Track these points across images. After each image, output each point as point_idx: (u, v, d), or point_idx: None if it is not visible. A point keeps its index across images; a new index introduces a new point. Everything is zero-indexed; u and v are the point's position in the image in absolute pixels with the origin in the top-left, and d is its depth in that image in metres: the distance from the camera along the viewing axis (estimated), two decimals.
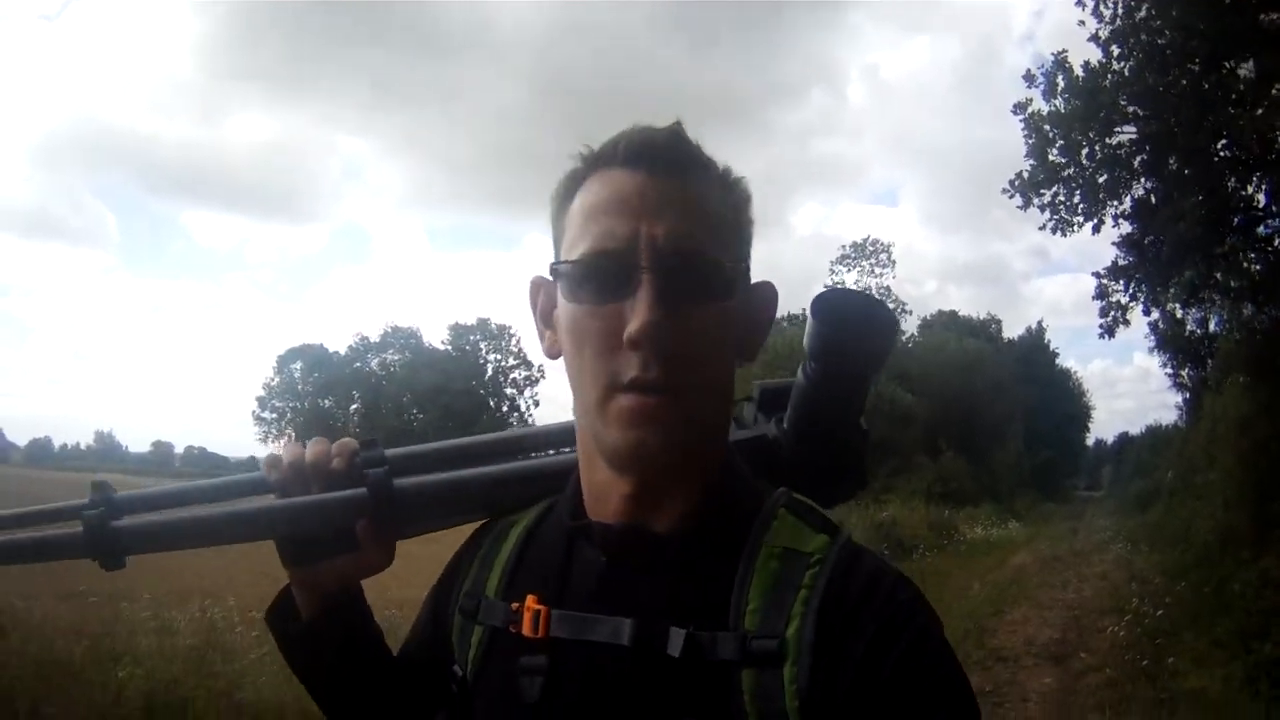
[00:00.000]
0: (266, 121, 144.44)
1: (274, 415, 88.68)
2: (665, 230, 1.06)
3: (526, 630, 1.13)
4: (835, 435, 1.30)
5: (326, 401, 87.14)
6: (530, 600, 1.14)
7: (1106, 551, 23.59)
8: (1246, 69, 13.56)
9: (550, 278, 1.17)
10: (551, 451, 1.41)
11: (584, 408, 1.13)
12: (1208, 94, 13.66)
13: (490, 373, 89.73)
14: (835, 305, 1.19)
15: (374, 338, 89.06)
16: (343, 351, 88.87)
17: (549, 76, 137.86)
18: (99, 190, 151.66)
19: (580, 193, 1.13)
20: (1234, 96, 13.54)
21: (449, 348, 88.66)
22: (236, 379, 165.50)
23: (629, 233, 1.07)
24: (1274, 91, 12.55)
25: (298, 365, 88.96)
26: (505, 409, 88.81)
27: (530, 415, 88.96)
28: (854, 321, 1.18)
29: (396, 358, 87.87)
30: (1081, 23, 14.69)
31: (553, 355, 1.21)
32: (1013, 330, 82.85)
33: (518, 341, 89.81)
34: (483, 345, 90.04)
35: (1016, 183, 16.30)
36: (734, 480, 1.18)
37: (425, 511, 1.28)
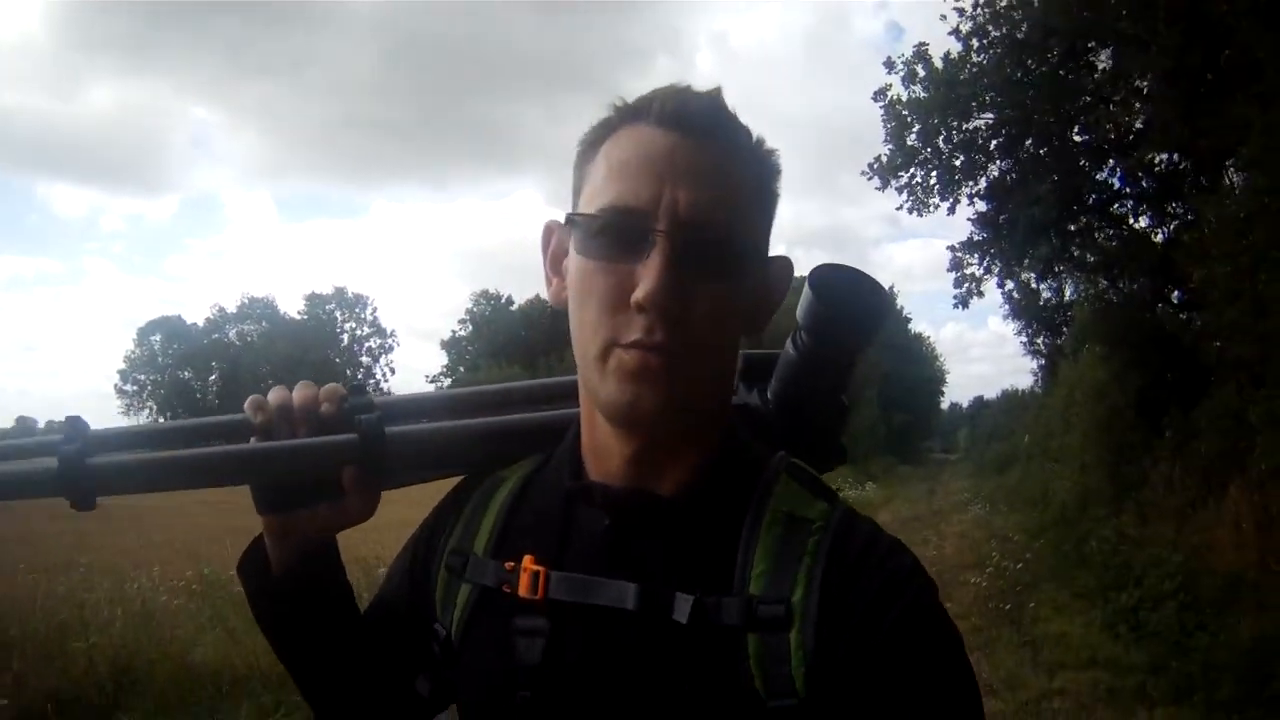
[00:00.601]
0: (119, 91, 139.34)
1: (135, 388, 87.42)
2: (689, 197, 1.04)
3: (524, 591, 1.11)
4: (819, 409, 1.29)
5: (186, 373, 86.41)
6: (527, 560, 1.12)
7: (965, 512, 23.38)
8: (1103, 62, 14.14)
9: (564, 224, 1.15)
10: (548, 407, 1.36)
11: (584, 360, 1.11)
12: (1065, 84, 14.27)
13: (346, 341, 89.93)
14: (833, 281, 1.18)
15: (231, 309, 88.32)
16: (201, 323, 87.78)
17: (397, 44, 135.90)
18: None
19: (608, 144, 1.11)
20: (1090, 88, 14.17)
21: (305, 317, 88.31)
22: (96, 352, 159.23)
23: (652, 194, 1.04)
24: (1127, 85, 13.18)
25: (157, 337, 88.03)
26: (361, 377, 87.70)
27: (386, 384, 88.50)
28: (851, 299, 1.17)
29: (254, 328, 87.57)
30: (943, 16, 15.17)
31: (558, 303, 1.18)
32: None
33: (373, 310, 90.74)
34: (339, 314, 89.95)
35: (875, 166, 16.68)
36: (737, 445, 1.17)
37: (415, 461, 1.25)
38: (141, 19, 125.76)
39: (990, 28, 14.83)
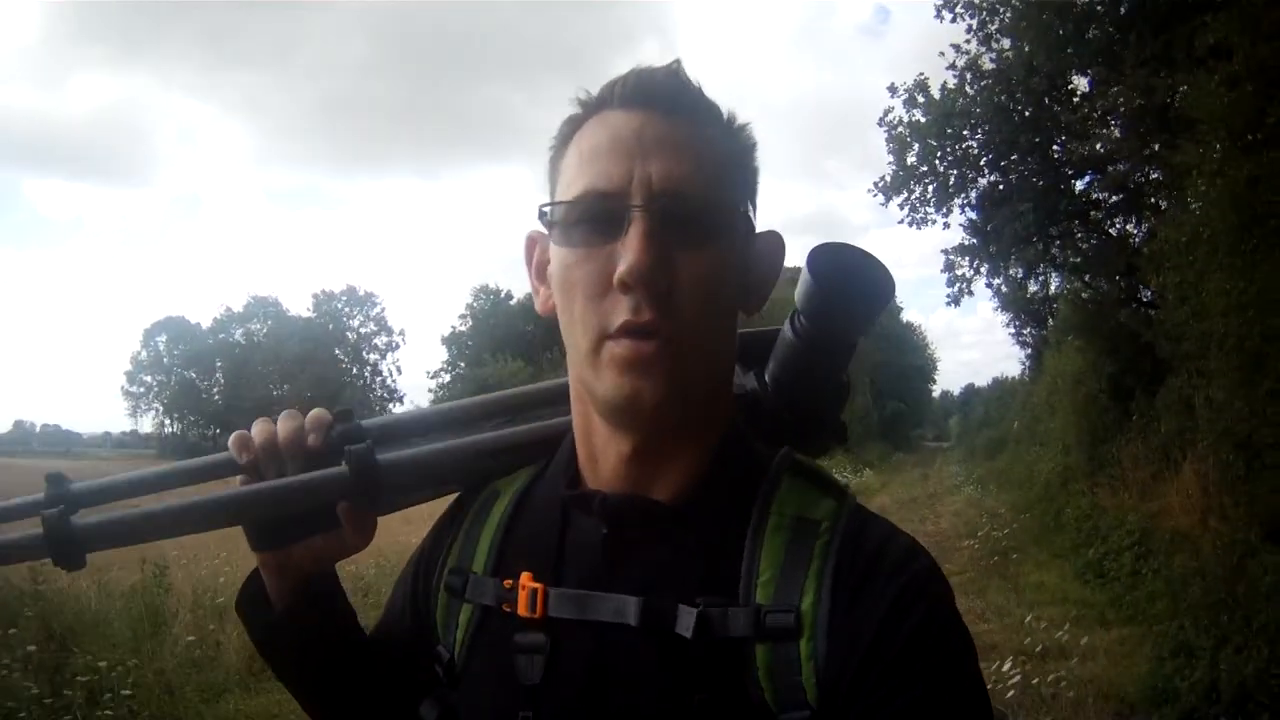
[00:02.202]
0: (107, 85, 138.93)
1: (141, 389, 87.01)
2: (661, 170, 1.01)
3: (522, 610, 1.06)
4: (819, 391, 1.22)
5: (192, 373, 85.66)
6: (525, 578, 1.07)
7: (959, 494, 24.59)
8: (1082, 83, 15.81)
9: (545, 231, 1.10)
10: (541, 415, 1.30)
11: (576, 359, 1.06)
12: (1046, 109, 15.98)
13: (353, 340, 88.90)
14: (833, 261, 1.08)
15: (237, 308, 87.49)
16: (206, 323, 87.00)
17: (383, 30, 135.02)
18: None
19: (576, 137, 1.08)
20: (1070, 107, 15.76)
21: (313, 315, 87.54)
22: (91, 352, 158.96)
23: (624, 172, 1.01)
24: (1101, 103, 14.38)
25: (162, 338, 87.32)
26: (369, 375, 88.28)
27: (394, 381, 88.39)
28: (851, 280, 1.08)
29: (259, 327, 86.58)
30: (942, 53, 17.02)
31: (546, 312, 1.13)
32: None
33: (381, 308, 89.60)
34: (347, 312, 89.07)
35: (880, 184, 18.50)
36: (737, 443, 1.12)
37: (409, 486, 1.20)
38: (128, 11, 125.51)
39: (981, 64, 16.62)
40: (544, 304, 1.15)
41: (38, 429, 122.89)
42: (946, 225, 18.58)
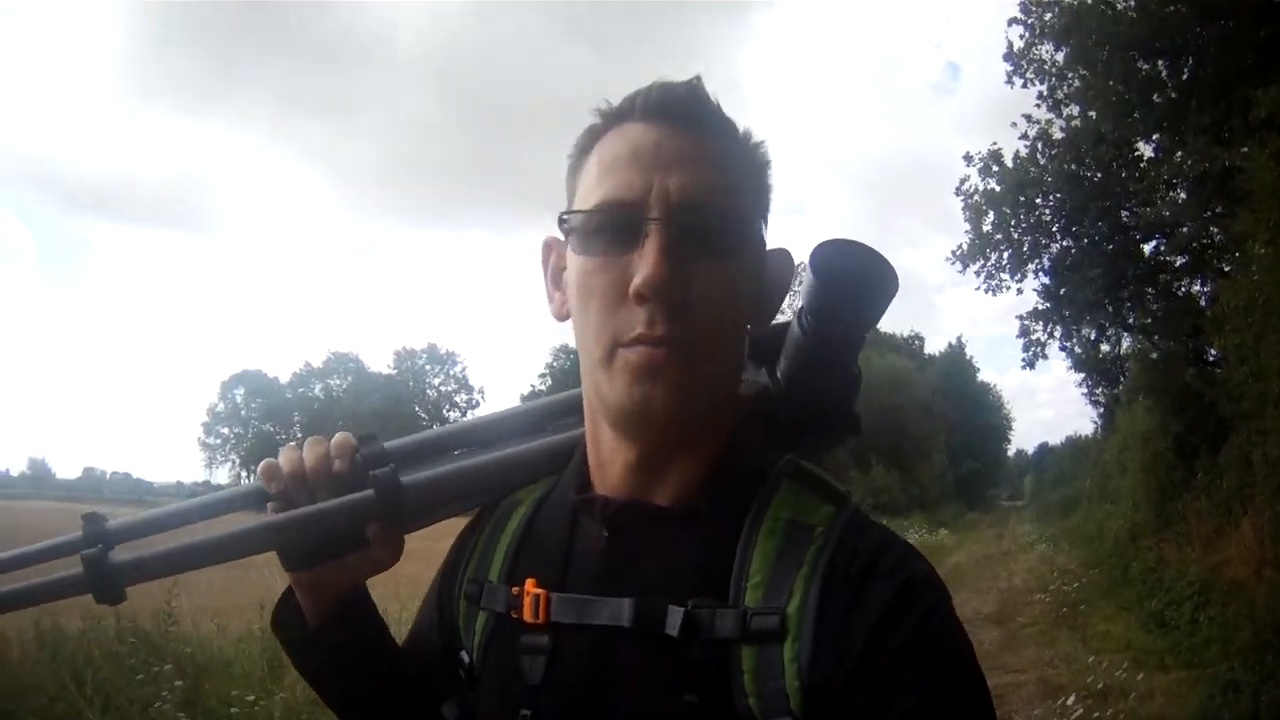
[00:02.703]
0: (179, 135, 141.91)
1: (218, 441, 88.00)
2: (679, 183, 1.02)
3: (527, 616, 1.09)
4: (829, 385, 1.20)
5: (269, 426, 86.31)
6: (530, 584, 1.10)
7: (1031, 551, 24.87)
8: (1147, 149, 16.34)
9: (563, 237, 1.13)
10: (559, 427, 1.32)
11: (589, 365, 1.08)
12: (1114, 172, 16.55)
13: (433, 397, 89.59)
14: (836, 260, 1.05)
15: (317, 364, 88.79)
16: (285, 378, 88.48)
17: (453, 87, 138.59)
18: (15, 210, 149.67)
19: (596, 148, 1.10)
20: (1137, 173, 16.26)
21: (394, 371, 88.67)
22: (163, 402, 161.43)
23: (643, 184, 1.02)
24: (1166, 167, 15.05)
25: (240, 391, 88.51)
26: None
27: None
28: (853, 278, 1.05)
29: (339, 383, 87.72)
30: (1014, 124, 17.71)
31: (561, 317, 1.16)
32: (933, 343, 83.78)
33: (462, 368, 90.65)
34: (428, 369, 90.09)
35: (957, 252, 19.22)
36: (742, 449, 1.13)
37: (434, 504, 1.22)
38: (198, 62, 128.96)
39: (1051, 131, 17.26)
40: (559, 309, 1.17)
41: (107, 476, 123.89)
42: (1020, 291, 19.17)
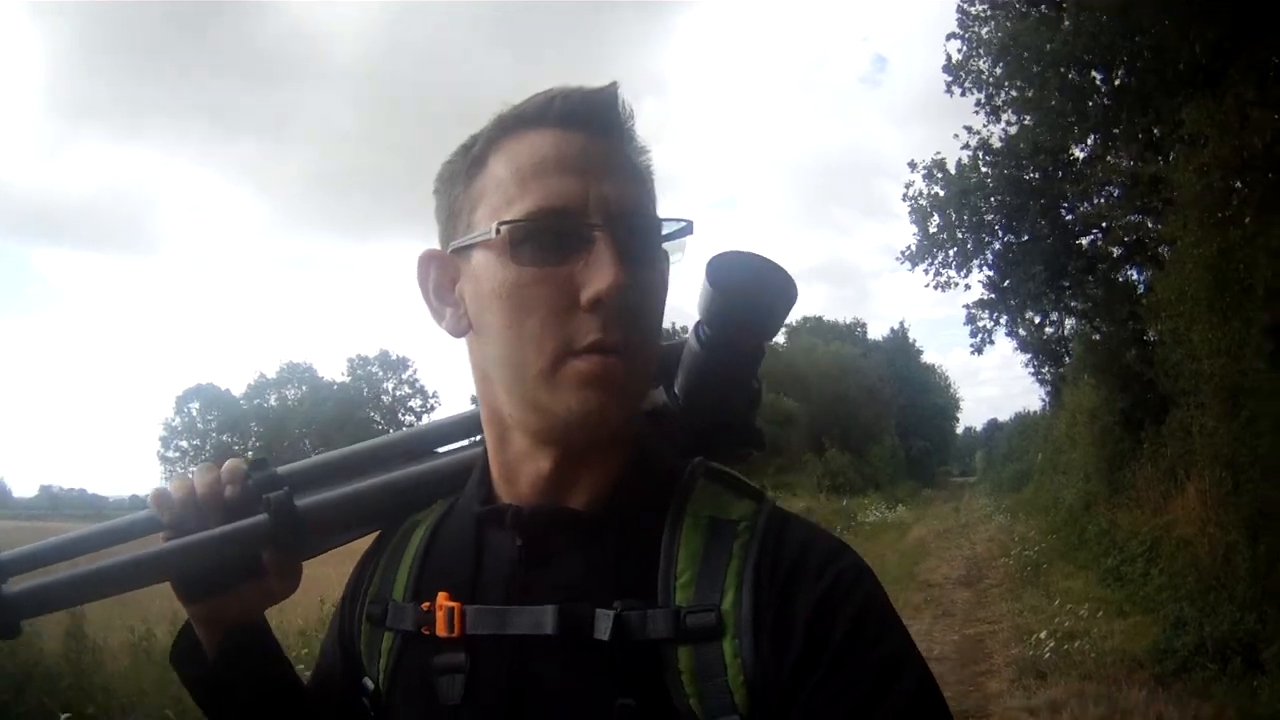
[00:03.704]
0: (110, 156, 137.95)
1: (177, 454, 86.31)
2: (613, 190, 1.01)
3: (441, 630, 1.05)
4: (731, 399, 1.18)
5: (227, 437, 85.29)
6: (442, 598, 1.06)
7: (990, 522, 26.62)
8: (1083, 150, 17.49)
9: (443, 250, 1.10)
10: (453, 447, 1.32)
11: (522, 379, 1.02)
12: (1051, 174, 17.83)
13: (387, 402, 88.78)
14: (733, 270, 1.03)
15: (271, 374, 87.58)
16: (239, 389, 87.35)
17: (379, 99, 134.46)
18: None
19: (501, 154, 1.04)
20: (1073, 174, 17.54)
21: (347, 379, 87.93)
22: (119, 419, 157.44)
23: (578, 191, 0.99)
24: (1100, 168, 16.30)
25: (195, 405, 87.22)
26: None
27: None
28: (751, 287, 1.04)
29: (294, 393, 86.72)
30: (956, 135, 19.03)
31: (458, 332, 1.11)
32: (874, 328, 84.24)
33: (413, 371, 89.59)
34: (381, 375, 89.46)
35: (906, 253, 20.59)
36: (650, 452, 1.12)
37: (331, 529, 1.19)
38: (128, 82, 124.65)
39: (991, 141, 18.62)
40: (455, 324, 1.11)
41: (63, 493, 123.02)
42: (968, 287, 20.49)
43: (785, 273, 1.05)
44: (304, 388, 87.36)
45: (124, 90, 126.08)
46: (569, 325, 0.99)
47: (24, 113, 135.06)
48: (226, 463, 1.16)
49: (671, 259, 1.12)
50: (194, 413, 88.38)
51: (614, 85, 1.06)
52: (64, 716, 5.80)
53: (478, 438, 1.24)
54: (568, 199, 1.00)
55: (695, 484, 1.08)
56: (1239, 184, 9.85)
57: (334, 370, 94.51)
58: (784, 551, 1.00)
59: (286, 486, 1.13)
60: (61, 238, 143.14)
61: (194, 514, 1.11)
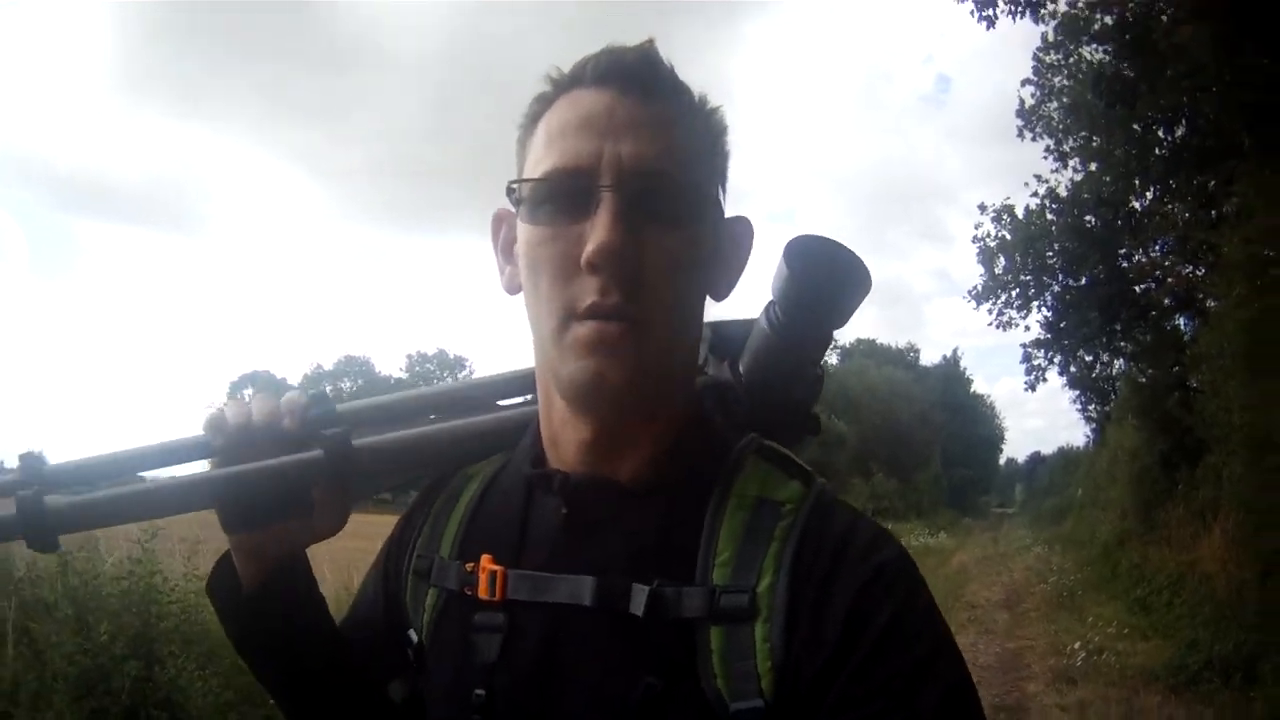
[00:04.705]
0: (165, 135, 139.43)
1: None
2: (631, 149, 0.98)
3: (483, 593, 1.05)
4: (794, 382, 1.18)
5: None
6: (485, 560, 1.06)
7: (1028, 554, 26.90)
8: (1142, 203, 18.40)
9: (513, 209, 1.07)
10: (514, 402, 1.29)
11: (540, 340, 1.04)
12: (1112, 224, 18.72)
13: None
14: (810, 254, 1.04)
15: (328, 366, 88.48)
16: (294, 379, 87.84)
17: (446, 88, 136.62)
18: (8, 206, 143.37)
19: (546, 115, 1.05)
20: (1131, 225, 18.43)
21: (405, 375, 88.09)
22: (168, 401, 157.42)
23: (593, 151, 0.98)
24: (1157, 220, 17.21)
25: (248, 391, 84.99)
26: None
27: None
28: (829, 275, 1.04)
29: (350, 386, 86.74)
30: (1026, 183, 20.31)
31: (512, 290, 1.11)
32: (925, 353, 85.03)
33: (469, 373, 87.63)
34: (438, 374, 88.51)
35: (972, 292, 21.61)
36: (702, 426, 1.10)
37: (383, 471, 1.17)
38: (189, 64, 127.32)
39: (1058, 189, 19.60)
40: (510, 282, 1.12)
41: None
42: (1028, 328, 21.51)
43: (862, 263, 1.04)
44: (360, 381, 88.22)
45: (182, 70, 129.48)
46: (573, 287, 0.98)
47: (82, 87, 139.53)
48: (286, 394, 1.13)
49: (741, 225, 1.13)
50: (247, 399, 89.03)
51: (649, 42, 1.04)
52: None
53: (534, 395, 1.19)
54: (580, 159, 0.99)
55: (745, 462, 1.05)
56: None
57: (392, 365, 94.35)
58: (827, 538, 0.98)
59: (344, 426, 1.10)
60: (111, 214, 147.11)
61: (248, 443, 1.08)
